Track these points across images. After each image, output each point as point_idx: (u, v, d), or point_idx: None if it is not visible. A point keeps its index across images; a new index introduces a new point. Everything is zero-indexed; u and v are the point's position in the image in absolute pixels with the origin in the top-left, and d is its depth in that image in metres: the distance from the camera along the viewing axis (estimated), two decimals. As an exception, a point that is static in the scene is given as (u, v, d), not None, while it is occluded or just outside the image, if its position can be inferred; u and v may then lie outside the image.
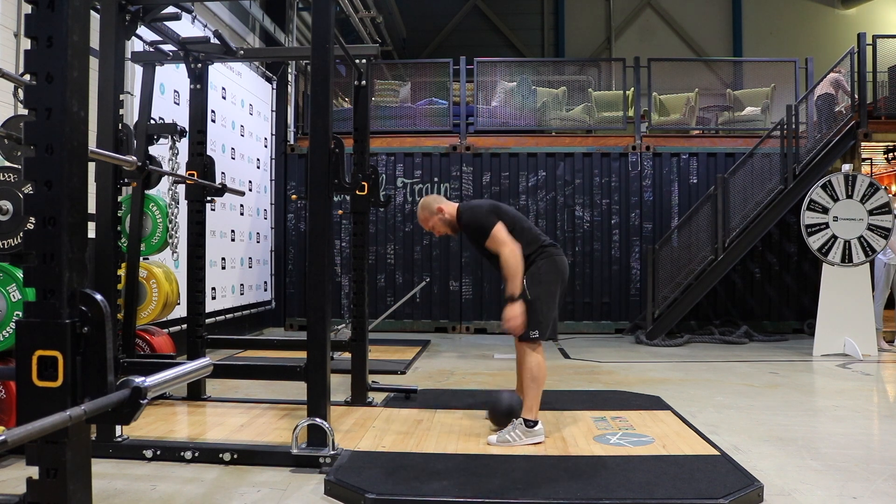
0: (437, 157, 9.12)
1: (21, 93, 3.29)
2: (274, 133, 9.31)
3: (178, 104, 6.22)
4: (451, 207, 3.76)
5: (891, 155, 10.53)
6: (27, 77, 1.68)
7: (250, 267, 8.52)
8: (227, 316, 7.69)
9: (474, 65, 9.31)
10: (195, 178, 4.43)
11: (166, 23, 4.07)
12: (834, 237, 6.74)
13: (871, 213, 6.72)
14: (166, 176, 4.29)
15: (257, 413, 4.19)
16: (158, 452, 3.28)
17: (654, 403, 4.46)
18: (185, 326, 4.93)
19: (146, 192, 4.35)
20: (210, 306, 6.90)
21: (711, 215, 7.98)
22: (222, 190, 4.66)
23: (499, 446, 3.42)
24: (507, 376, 5.43)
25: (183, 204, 4.60)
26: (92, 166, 3.42)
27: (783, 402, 4.63)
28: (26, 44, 1.66)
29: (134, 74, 5.27)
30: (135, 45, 4.75)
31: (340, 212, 8.54)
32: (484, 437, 3.57)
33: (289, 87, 9.52)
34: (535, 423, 3.48)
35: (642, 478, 2.90)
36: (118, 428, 3.36)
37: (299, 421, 3.25)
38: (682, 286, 7.94)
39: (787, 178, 7.83)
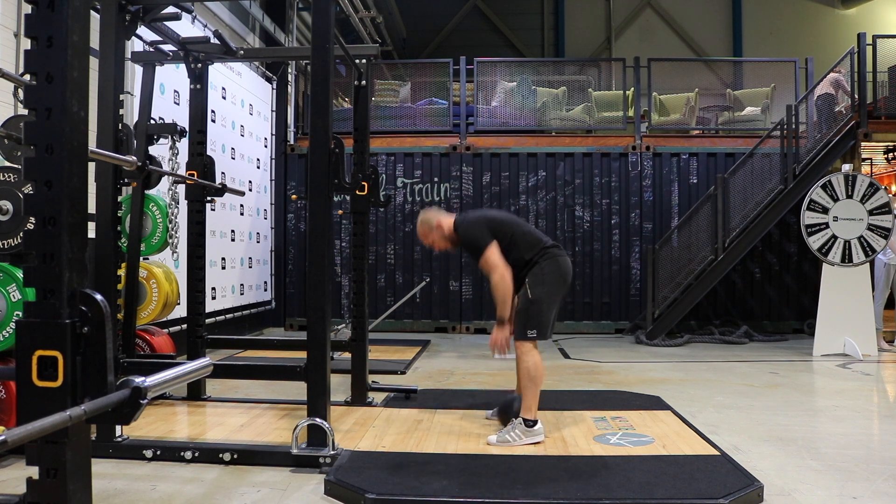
0: (437, 157, 9.12)
1: (21, 93, 3.29)
2: (274, 133, 9.31)
3: (178, 104, 6.22)
4: (448, 222, 3.76)
5: (891, 155, 10.53)
6: (27, 77, 1.68)
7: (250, 267, 8.52)
8: (227, 316, 7.69)
9: (474, 65, 9.31)
10: (195, 178, 4.43)
11: (166, 23, 4.07)
12: (834, 237, 6.74)
13: (871, 213, 6.72)
14: (166, 176, 4.29)
15: (257, 413, 4.19)
16: (158, 452, 3.28)
17: (654, 403, 4.46)
18: (185, 326, 4.93)
19: (146, 192, 4.35)
20: (210, 306, 6.90)
21: (711, 215, 7.98)
22: (222, 190, 4.66)
23: (499, 446, 3.42)
24: (507, 376, 5.43)
25: (183, 204, 4.60)
26: (92, 166, 3.42)
27: (783, 402, 4.63)
28: (26, 44, 1.66)
29: (134, 74, 5.27)
30: (135, 45, 4.75)
31: (340, 212, 8.54)
32: (484, 437, 3.56)
33: (289, 87, 9.52)
34: (535, 422, 3.48)
35: (642, 478, 2.90)
36: (118, 428, 3.36)
37: (299, 421, 3.25)
38: (682, 286, 7.94)
39: (787, 178, 7.83)
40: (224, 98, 7.62)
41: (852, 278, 6.70)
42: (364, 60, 4.67)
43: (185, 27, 5.57)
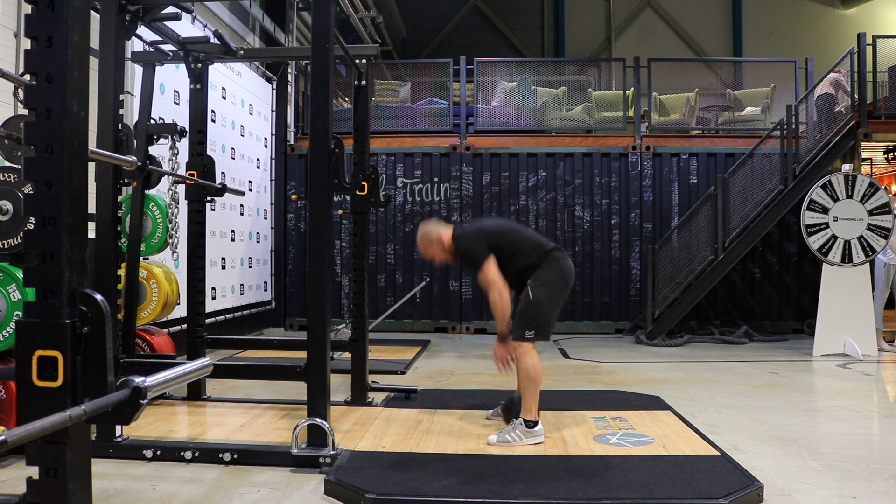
0: (437, 157, 9.12)
1: (21, 93, 3.29)
2: (274, 133, 9.31)
3: (178, 104, 6.22)
4: (447, 234, 3.75)
5: (891, 155, 10.53)
6: (27, 77, 1.68)
7: (250, 267, 8.52)
8: (227, 316, 7.69)
9: (474, 65, 9.31)
10: (195, 178, 4.43)
11: (166, 23, 4.07)
12: (834, 237, 6.74)
13: (871, 213, 6.72)
14: (166, 176, 4.29)
15: (257, 413, 4.19)
16: (158, 452, 3.28)
17: (654, 403, 4.46)
18: (185, 326, 4.93)
19: (146, 192, 4.35)
20: (210, 306, 6.90)
21: (711, 215, 7.98)
22: (222, 190, 4.66)
23: (499, 446, 3.41)
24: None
25: (183, 204, 4.60)
26: (92, 166, 3.42)
27: (783, 402, 4.63)
28: (26, 44, 1.66)
29: (134, 74, 5.27)
30: (135, 45, 4.75)
31: (340, 212, 8.54)
32: (484, 437, 3.56)
33: (289, 87, 9.52)
34: (536, 423, 3.48)
35: (642, 478, 2.90)
36: (118, 428, 3.35)
37: (299, 421, 3.25)
38: (682, 286, 7.94)
39: (787, 178, 7.83)
40: (224, 98, 7.62)
41: (852, 278, 6.70)
42: (364, 60, 4.67)
43: (185, 27, 5.57)
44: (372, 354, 4.99)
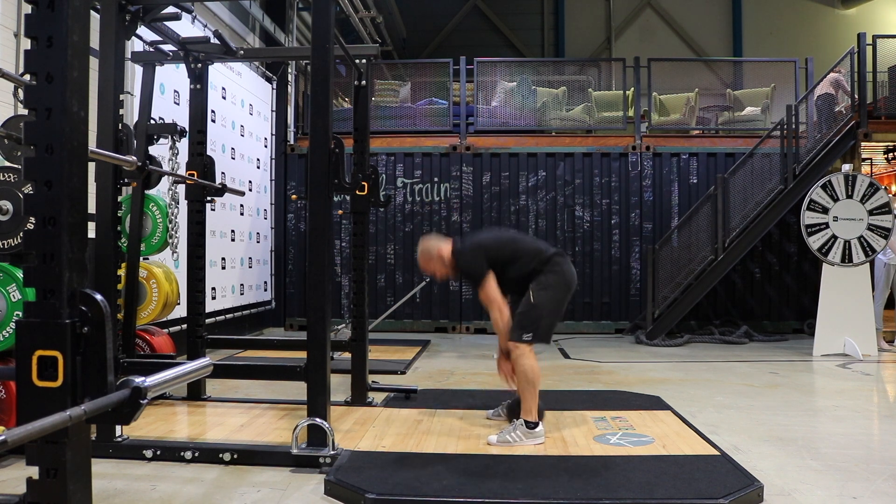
0: (437, 157, 9.12)
1: (21, 93, 3.29)
2: (274, 133, 9.31)
3: (178, 104, 6.22)
4: (447, 249, 3.75)
5: (891, 155, 10.52)
6: (27, 77, 1.68)
7: (250, 267, 8.52)
8: (227, 316, 7.69)
9: (474, 65, 9.31)
10: (195, 178, 4.43)
11: (166, 23, 4.07)
12: (834, 237, 6.74)
13: (871, 213, 6.72)
14: (166, 176, 4.29)
15: (257, 413, 4.19)
16: (158, 452, 3.28)
17: (654, 403, 4.46)
18: (185, 326, 4.93)
19: (146, 192, 4.35)
20: (210, 306, 6.90)
21: (711, 215, 7.98)
22: (222, 190, 4.66)
23: (499, 446, 3.41)
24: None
25: (183, 204, 4.60)
26: (92, 166, 3.42)
27: (783, 402, 4.63)
28: (26, 44, 1.66)
29: (134, 74, 5.27)
30: (135, 45, 4.75)
31: (340, 212, 8.54)
32: (484, 438, 3.56)
33: (289, 87, 9.52)
34: (536, 424, 3.48)
35: (642, 478, 2.90)
36: (118, 428, 3.35)
37: (299, 421, 3.25)
38: (682, 286, 7.94)
39: (787, 178, 7.83)
40: (224, 98, 7.62)
41: (852, 278, 6.70)
42: (364, 60, 4.66)
43: (185, 27, 5.57)
44: (372, 354, 4.99)
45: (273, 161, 9.29)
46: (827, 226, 6.76)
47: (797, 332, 8.71)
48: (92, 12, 2.52)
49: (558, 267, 3.63)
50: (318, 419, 3.20)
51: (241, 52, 4.60)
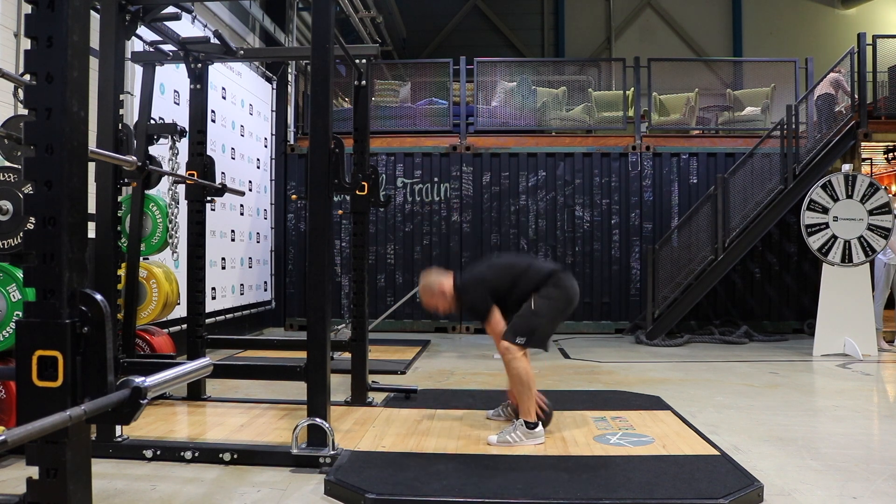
0: (437, 157, 9.12)
1: (21, 93, 3.29)
2: (274, 133, 9.31)
3: (178, 104, 6.22)
4: (449, 284, 3.76)
5: (891, 155, 10.53)
6: (27, 77, 1.68)
7: (250, 267, 8.52)
8: (227, 316, 7.69)
9: (474, 65, 9.31)
10: (195, 178, 4.43)
11: (166, 23, 4.07)
12: (834, 237, 6.74)
13: (871, 213, 6.72)
14: (166, 176, 4.29)
15: (257, 413, 4.19)
16: (158, 452, 3.28)
17: (654, 403, 4.46)
18: (185, 326, 4.93)
19: (146, 192, 4.35)
20: (210, 306, 6.90)
21: (711, 215, 7.98)
22: (222, 190, 4.66)
23: (499, 446, 3.42)
24: (506, 377, 5.42)
25: (183, 204, 4.60)
26: (92, 166, 3.42)
27: (783, 402, 4.63)
28: (26, 44, 1.66)
29: (134, 74, 5.27)
30: (135, 45, 4.75)
31: (340, 212, 8.54)
32: (484, 438, 3.56)
33: (289, 87, 9.52)
34: (536, 424, 3.48)
35: (642, 478, 2.90)
36: (118, 428, 3.36)
37: (299, 421, 3.25)
38: (682, 286, 7.94)
39: (787, 178, 7.83)
40: (224, 98, 7.62)
41: (852, 278, 6.70)
42: (364, 60, 4.67)
43: (185, 27, 5.57)
44: (372, 354, 4.99)
45: (273, 161, 9.29)
46: (827, 226, 6.76)
47: (797, 332, 8.71)
48: (92, 12, 2.52)
49: (560, 282, 3.65)
50: (318, 419, 3.20)
51: (241, 52, 4.60)
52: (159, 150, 4.53)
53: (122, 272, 3.96)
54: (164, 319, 5.26)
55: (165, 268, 4.92)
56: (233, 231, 7.94)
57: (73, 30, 1.62)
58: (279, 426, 3.87)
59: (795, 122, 7.97)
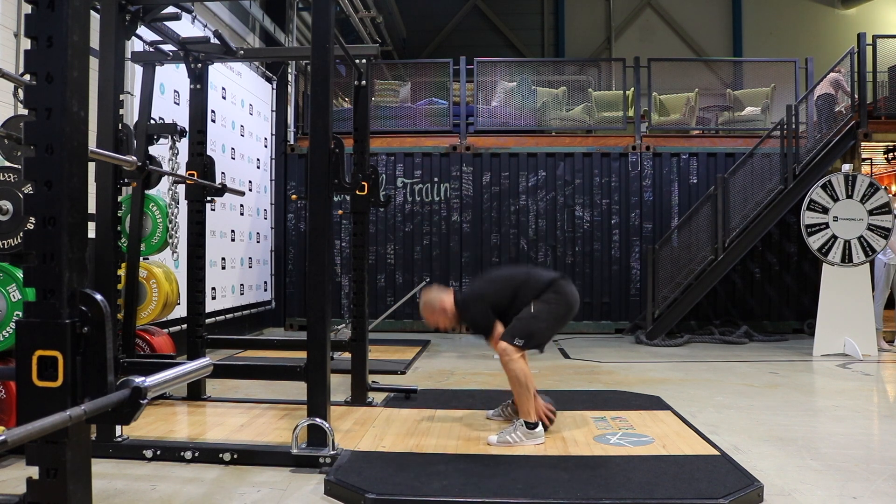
0: (437, 157, 9.12)
1: (21, 93, 3.29)
2: (274, 133, 9.31)
3: (178, 104, 6.22)
4: (449, 301, 3.77)
5: (891, 155, 10.53)
6: (27, 77, 1.68)
7: (250, 267, 8.52)
8: (227, 316, 7.69)
9: (474, 65, 9.31)
10: (195, 178, 4.43)
11: (166, 23, 4.07)
12: (834, 237, 6.74)
13: (871, 213, 6.72)
14: (166, 176, 4.29)
15: (257, 413, 4.19)
16: (158, 452, 3.28)
17: (654, 403, 4.46)
18: (185, 326, 4.93)
19: (146, 192, 4.35)
20: (210, 306, 6.90)
21: (711, 215, 7.98)
22: (222, 190, 4.66)
23: (499, 447, 3.42)
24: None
25: (183, 204, 4.60)
26: (92, 166, 3.42)
27: (783, 402, 4.63)
28: (26, 44, 1.66)
29: (134, 74, 5.27)
30: (135, 45, 4.75)
31: (340, 212, 8.54)
32: (484, 438, 3.56)
33: (289, 87, 9.52)
34: (536, 424, 3.48)
35: (642, 478, 2.90)
36: (118, 428, 3.36)
37: (299, 421, 3.25)
38: (682, 286, 7.94)
39: (787, 178, 7.83)
40: (224, 98, 7.62)
41: (852, 278, 6.70)
42: (364, 60, 4.66)
43: (185, 27, 5.57)
44: (372, 354, 4.99)
45: (273, 161, 9.29)
46: (827, 226, 6.76)
47: (797, 332, 8.71)
48: (92, 12, 2.52)
49: (560, 289, 3.68)
50: (318, 419, 3.20)
51: (241, 52, 4.60)
52: (159, 150, 4.53)
53: (122, 272, 3.96)
54: (164, 319, 5.26)
55: (165, 268, 4.92)
56: (233, 231, 7.94)
57: (73, 30, 1.62)
58: (279, 426, 3.87)
59: (795, 122, 7.97)
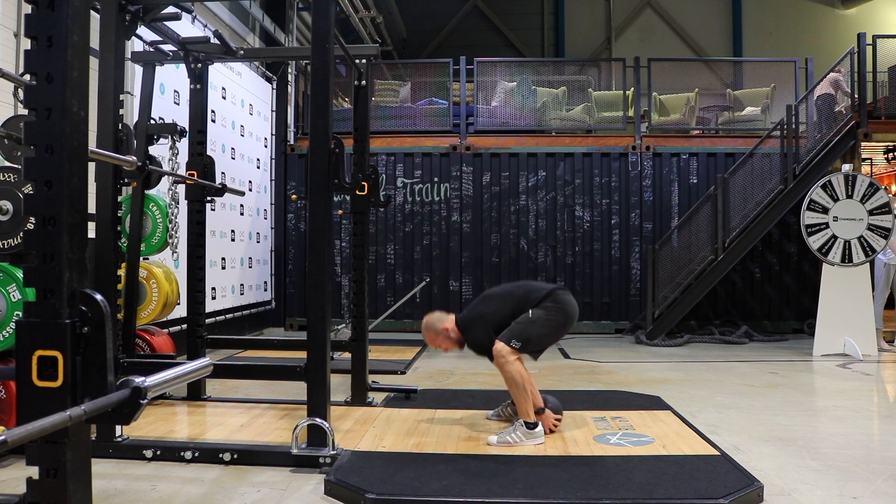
0: (437, 157, 9.12)
1: (21, 93, 3.29)
2: (274, 133, 9.31)
3: (178, 104, 6.22)
4: (451, 323, 3.79)
5: (891, 155, 10.52)
6: (27, 77, 1.68)
7: (250, 267, 8.52)
8: (227, 316, 7.68)
9: (474, 65, 9.31)
10: (195, 178, 4.43)
11: (166, 23, 4.07)
12: (834, 237, 6.74)
13: (871, 213, 6.72)
14: (166, 176, 4.29)
15: (257, 413, 4.19)
16: (158, 452, 3.28)
17: (654, 403, 4.46)
18: (185, 326, 4.93)
19: (146, 192, 4.35)
20: (210, 306, 6.90)
21: (711, 215, 7.98)
22: (222, 190, 4.66)
23: (499, 447, 3.42)
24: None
25: (183, 204, 4.60)
26: (92, 166, 3.42)
27: (783, 402, 4.63)
28: (26, 44, 1.66)
29: (134, 74, 5.27)
30: (135, 45, 4.75)
31: (340, 212, 8.54)
32: (484, 438, 3.57)
33: (289, 87, 9.52)
34: (536, 424, 3.48)
35: (642, 478, 2.90)
36: (118, 428, 3.36)
37: (299, 421, 3.25)
38: (682, 286, 7.94)
39: (787, 178, 7.83)
40: (224, 98, 7.62)
41: (852, 278, 6.70)
42: (364, 60, 4.67)
43: (185, 27, 5.57)
44: (372, 354, 4.99)
45: (273, 161, 9.29)
46: (827, 226, 6.76)
47: (797, 332, 8.71)
48: (92, 12, 2.52)
49: (559, 298, 3.67)
50: (318, 419, 3.20)
51: (241, 52, 4.60)
52: (159, 150, 4.53)
53: (122, 272, 3.96)
54: (164, 319, 5.26)
55: (165, 268, 4.92)
56: (233, 231, 7.94)
57: (73, 30, 1.62)
58: (279, 426, 3.87)
59: (795, 122, 7.97)
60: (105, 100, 3.37)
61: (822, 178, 7.04)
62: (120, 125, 3.44)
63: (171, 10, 3.85)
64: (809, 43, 13.95)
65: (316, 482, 2.97)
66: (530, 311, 3.60)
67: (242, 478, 3.05)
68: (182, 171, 4.38)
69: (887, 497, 2.78)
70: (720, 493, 2.68)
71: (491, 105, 9.36)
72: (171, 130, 4.24)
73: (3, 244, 3.34)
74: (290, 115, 9.54)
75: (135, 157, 3.53)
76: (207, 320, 5.04)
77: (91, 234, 3.40)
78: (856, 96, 7.92)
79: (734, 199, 8.01)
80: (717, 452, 3.28)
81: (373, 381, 4.76)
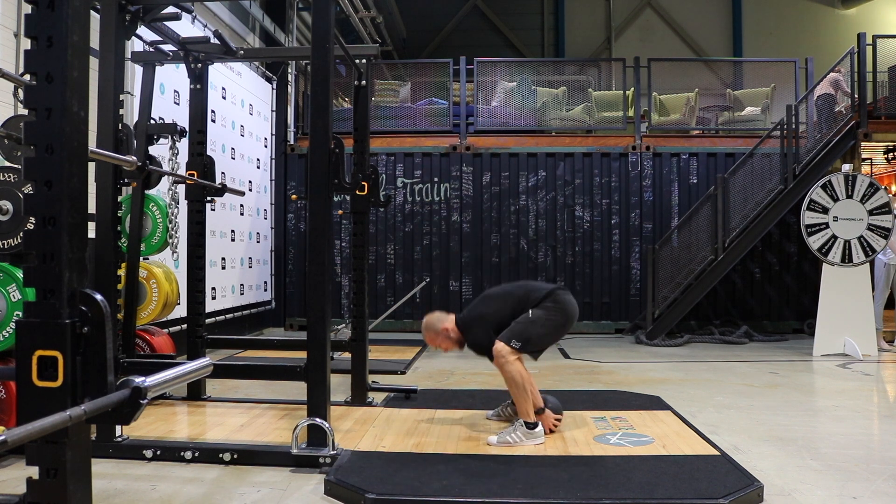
0: (437, 157, 9.12)
1: (21, 93, 3.29)
2: (274, 133, 9.31)
3: (178, 104, 6.22)
4: (451, 323, 3.79)
5: (891, 155, 10.52)
6: (27, 77, 1.68)
7: (250, 267, 8.52)
8: (227, 316, 7.68)
9: (474, 65, 9.31)
10: (195, 178, 4.43)
11: (166, 23, 4.07)
12: (834, 237, 6.74)
13: (871, 213, 6.72)
14: (166, 176, 4.29)
15: (257, 413, 4.19)
16: (158, 452, 3.28)
17: (654, 403, 4.46)
18: (185, 326, 4.93)
19: (146, 192, 4.35)
20: (210, 306, 6.90)
21: (711, 215, 7.98)
22: (222, 190, 4.66)
23: (499, 447, 3.42)
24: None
25: (183, 204, 4.60)
26: (92, 166, 3.42)
27: (783, 402, 4.63)
28: (26, 44, 1.66)
29: (134, 74, 5.27)
30: (135, 45, 4.75)
31: (340, 212, 8.54)
32: (484, 438, 3.57)
33: (289, 87, 9.52)
34: (536, 424, 3.48)
35: (642, 478, 2.90)
36: (118, 428, 3.36)
37: (299, 421, 3.25)
38: (682, 286, 7.94)
39: (787, 178, 7.83)
40: (224, 98, 7.62)
41: (852, 278, 6.70)
42: (364, 60, 4.67)
43: (185, 27, 5.57)
44: (372, 354, 4.99)
45: (273, 161, 9.29)
46: (827, 226, 6.76)
47: (797, 332, 8.71)
48: (92, 12, 2.52)
49: (559, 298, 3.67)
50: (318, 419, 3.20)
51: (241, 52, 4.60)
52: (159, 150, 4.53)
53: (122, 272, 3.96)
54: (164, 319, 5.26)
55: (165, 268, 4.92)
56: (233, 231, 7.94)
57: (73, 30, 1.62)
58: (279, 426, 3.87)
59: (795, 122, 7.97)
60: (105, 100, 3.37)
61: (822, 178, 7.04)
62: (120, 125, 3.44)
63: (171, 10, 3.85)
64: (809, 43, 13.95)
65: (316, 482, 2.97)
66: (530, 311, 3.60)
67: (242, 478, 3.05)
68: (182, 171, 4.38)
69: (887, 497, 2.78)
70: (720, 493, 2.68)
71: (491, 105, 9.36)
72: (171, 130, 4.24)
73: (3, 244, 3.34)
74: (290, 115, 9.54)
75: (135, 157, 3.53)
76: (207, 320, 5.04)
77: (91, 234, 3.40)
78: (856, 96, 7.92)
79: (734, 199, 8.01)
80: (717, 452, 3.28)
81: (373, 381, 4.76)
